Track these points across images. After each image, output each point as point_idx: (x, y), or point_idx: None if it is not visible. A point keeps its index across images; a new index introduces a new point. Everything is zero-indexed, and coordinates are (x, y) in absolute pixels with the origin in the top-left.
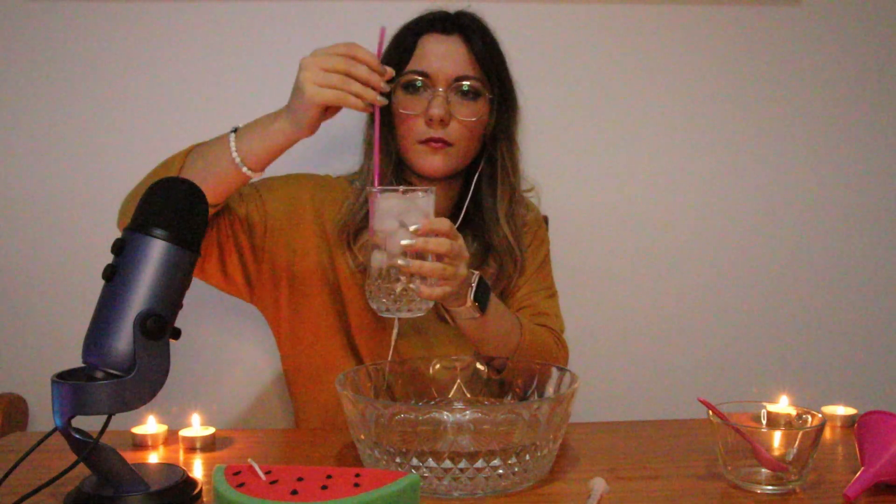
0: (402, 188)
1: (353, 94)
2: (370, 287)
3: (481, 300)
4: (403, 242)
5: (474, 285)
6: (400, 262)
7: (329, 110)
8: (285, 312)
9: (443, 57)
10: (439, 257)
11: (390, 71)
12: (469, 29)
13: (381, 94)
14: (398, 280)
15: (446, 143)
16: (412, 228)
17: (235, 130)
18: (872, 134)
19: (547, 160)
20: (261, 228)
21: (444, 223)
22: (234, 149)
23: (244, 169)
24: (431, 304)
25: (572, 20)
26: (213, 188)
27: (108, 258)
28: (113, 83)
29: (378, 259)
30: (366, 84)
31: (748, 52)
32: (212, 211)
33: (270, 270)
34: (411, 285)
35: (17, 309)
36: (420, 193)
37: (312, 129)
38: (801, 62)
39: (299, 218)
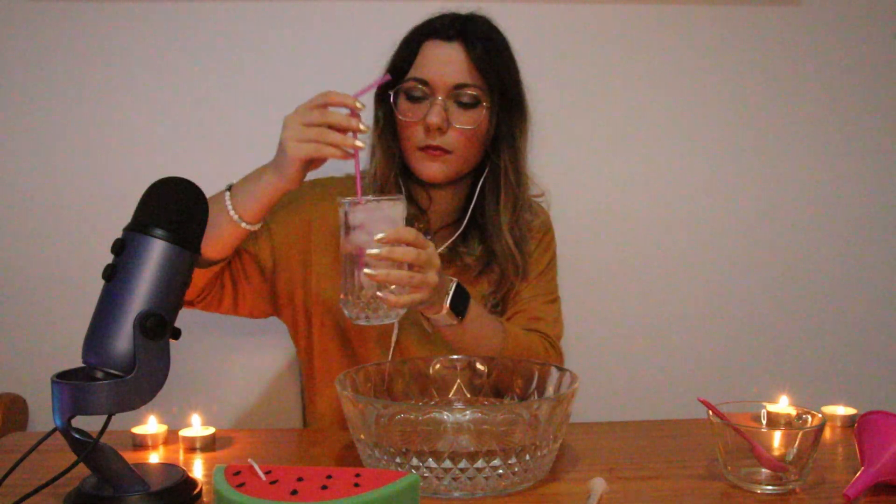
0: (369, 197)
1: (331, 144)
2: (341, 295)
3: (459, 307)
4: (369, 251)
5: (451, 292)
6: (367, 270)
7: (314, 162)
8: (302, 320)
9: (442, 64)
10: (409, 266)
11: (361, 106)
12: (472, 35)
13: (361, 134)
14: (365, 288)
15: (444, 151)
16: (377, 237)
17: (230, 188)
18: (872, 135)
19: (550, 163)
20: (269, 255)
21: (410, 232)
22: (230, 207)
23: (243, 224)
24: (402, 313)
25: (573, 22)
26: (216, 245)
27: (108, 258)
28: (113, 83)
29: (347, 268)
30: (344, 131)
31: (749, 52)
32: (215, 269)
33: (287, 286)
34: (378, 293)
35: (17, 309)
36: (386, 203)
37: (298, 181)
38: (802, 62)
39: (304, 230)
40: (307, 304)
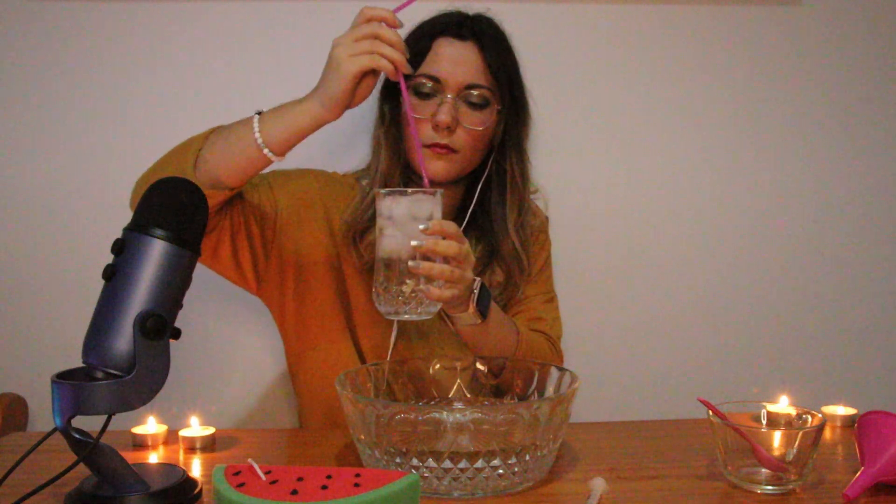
0: (409, 189)
1: (384, 55)
2: (377, 290)
3: (482, 307)
4: (413, 243)
5: (476, 292)
6: (410, 263)
7: (357, 93)
8: (290, 308)
9: (455, 63)
10: (446, 260)
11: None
12: (485, 35)
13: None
14: (405, 283)
15: (451, 150)
16: (421, 227)
17: (260, 114)
18: (872, 134)
19: (548, 162)
20: (272, 221)
21: (452, 225)
22: (257, 130)
23: (266, 151)
24: (437, 308)
25: (572, 22)
26: (233, 170)
27: (108, 258)
28: (113, 83)
29: (385, 261)
30: (392, 45)
31: (749, 52)
32: (228, 194)
33: (278, 264)
34: (420, 286)
35: (17, 309)
36: (428, 195)
37: (339, 109)
38: (802, 62)
39: (308, 214)
40: (298, 289)
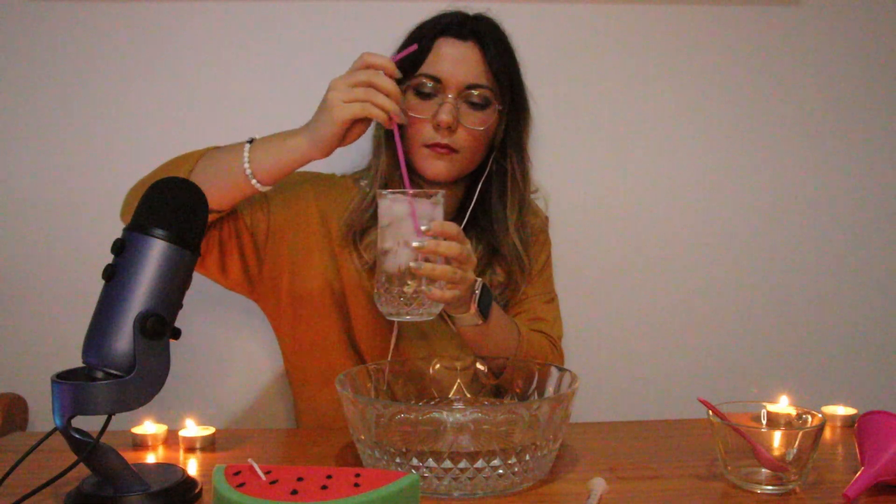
0: (411, 191)
1: (377, 105)
2: (379, 290)
3: (484, 307)
4: (414, 244)
5: (478, 293)
6: (412, 264)
7: (349, 135)
8: (286, 312)
9: (456, 63)
10: (448, 261)
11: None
12: (485, 35)
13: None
14: (406, 283)
15: (452, 150)
16: (423, 228)
17: (251, 141)
18: (872, 134)
19: (548, 162)
20: (264, 229)
21: (453, 227)
22: (246, 160)
23: (254, 181)
24: (439, 309)
25: (572, 22)
26: (221, 196)
27: (108, 258)
28: (113, 83)
29: (387, 261)
30: (388, 95)
31: (749, 52)
32: (215, 216)
33: (272, 269)
34: (422, 287)
35: (17, 309)
36: (430, 197)
37: (328, 150)
38: (802, 62)
39: (304, 218)
40: (293, 294)
